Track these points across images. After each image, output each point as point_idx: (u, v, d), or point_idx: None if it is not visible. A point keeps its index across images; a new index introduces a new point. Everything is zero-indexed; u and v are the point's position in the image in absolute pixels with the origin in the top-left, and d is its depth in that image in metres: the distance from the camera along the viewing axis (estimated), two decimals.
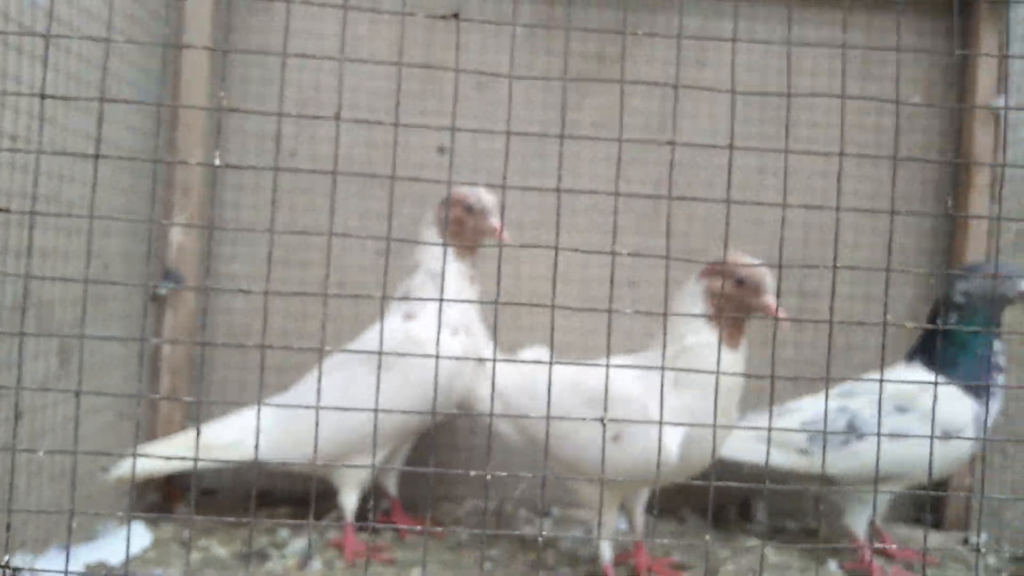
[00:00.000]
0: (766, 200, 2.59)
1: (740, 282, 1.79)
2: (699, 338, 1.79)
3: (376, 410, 1.50)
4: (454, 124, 1.39)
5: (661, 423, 1.51)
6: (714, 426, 1.52)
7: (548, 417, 1.48)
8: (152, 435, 2.37)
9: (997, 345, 2.13)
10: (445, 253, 2.00)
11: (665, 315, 1.64)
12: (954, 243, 2.60)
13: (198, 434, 1.62)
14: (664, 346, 1.73)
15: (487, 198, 2.09)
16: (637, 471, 1.78)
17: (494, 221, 2.08)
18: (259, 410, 1.64)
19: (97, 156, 1.28)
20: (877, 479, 1.67)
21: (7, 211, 1.40)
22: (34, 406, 1.73)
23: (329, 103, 2.53)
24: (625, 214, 2.59)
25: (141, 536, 2.11)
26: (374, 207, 2.56)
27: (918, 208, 2.64)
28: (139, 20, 2.20)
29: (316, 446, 1.64)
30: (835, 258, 1.43)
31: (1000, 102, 2.53)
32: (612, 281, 1.46)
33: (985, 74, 2.54)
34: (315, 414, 2.00)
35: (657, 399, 1.72)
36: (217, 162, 1.40)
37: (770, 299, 1.79)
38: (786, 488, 2.35)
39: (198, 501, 2.39)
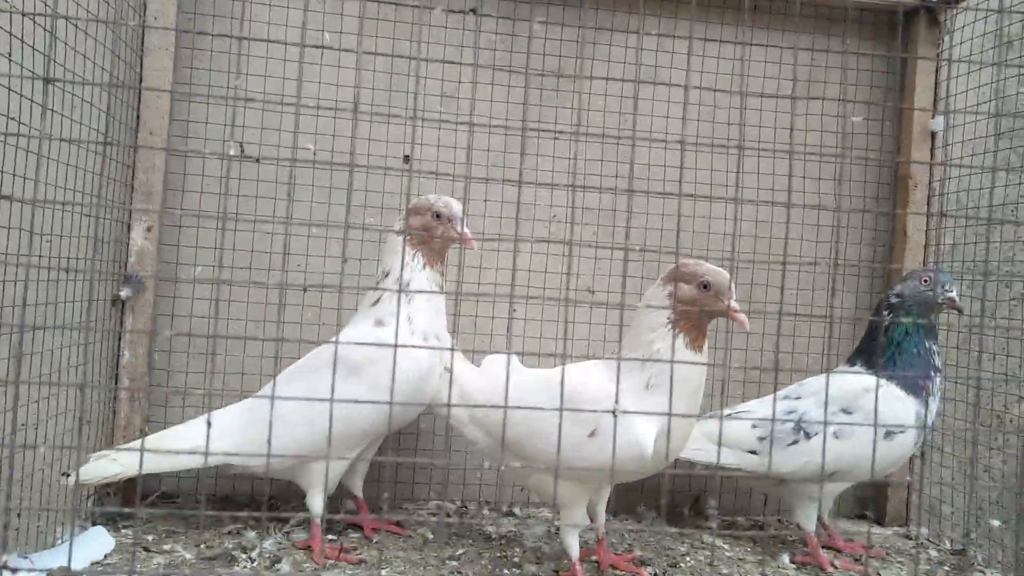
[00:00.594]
0: (718, 210, 2.71)
1: (705, 286, 1.87)
2: (666, 343, 1.86)
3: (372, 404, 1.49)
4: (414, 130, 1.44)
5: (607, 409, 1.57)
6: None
7: (562, 414, 1.52)
8: (111, 440, 2.36)
9: (934, 347, 2.26)
10: (403, 256, 2.09)
11: (623, 309, 1.71)
12: (894, 255, 2.74)
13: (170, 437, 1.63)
14: (630, 349, 1.81)
15: (456, 206, 2.15)
16: (612, 465, 1.84)
17: (462, 228, 2.14)
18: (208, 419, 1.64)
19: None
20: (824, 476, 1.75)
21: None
22: None
23: (291, 108, 2.55)
24: (585, 226, 2.67)
25: (103, 541, 2.10)
26: (337, 214, 2.58)
27: (860, 224, 2.77)
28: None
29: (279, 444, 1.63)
30: (784, 258, 1.52)
31: (936, 123, 2.68)
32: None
33: (922, 97, 2.69)
34: (282, 418, 2.08)
35: (631, 398, 1.83)
36: (232, 151, 1.41)
37: (732, 303, 1.88)
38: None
39: (158, 506, 2.38)
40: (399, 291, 2.09)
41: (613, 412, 1.61)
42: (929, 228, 2.69)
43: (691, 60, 2.70)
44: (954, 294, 2.22)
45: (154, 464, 2.06)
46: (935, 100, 2.70)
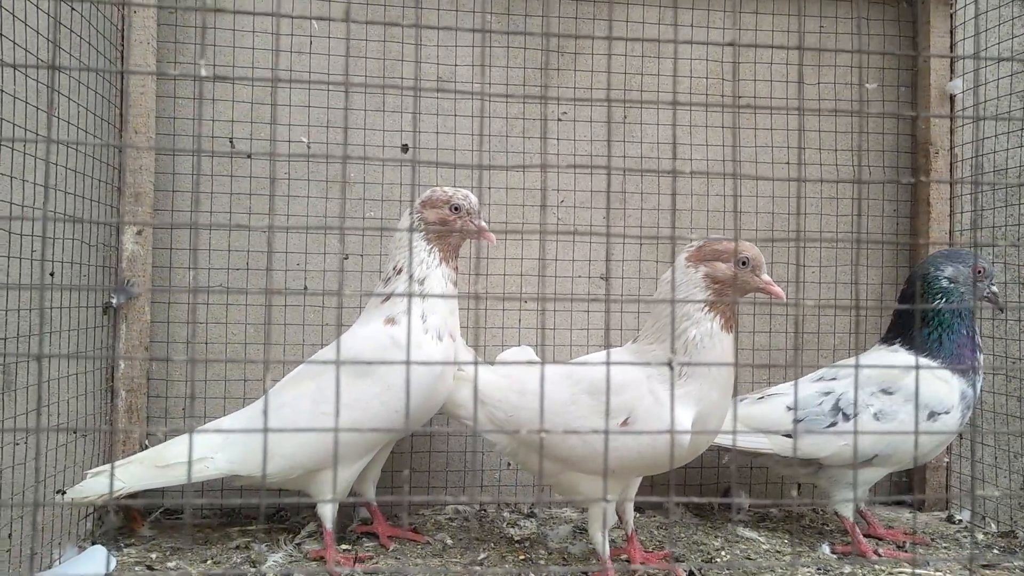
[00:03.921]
0: (736, 191, 2.61)
1: (744, 263, 1.76)
2: (701, 328, 1.75)
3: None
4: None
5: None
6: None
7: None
8: (110, 455, 2.24)
9: (975, 326, 2.16)
10: (407, 252, 1.98)
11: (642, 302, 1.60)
12: (916, 227, 2.63)
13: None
14: (655, 337, 1.71)
15: (474, 198, 2.03)
16: (647, 457, 1.74)
17: (481, 222, 2.02)
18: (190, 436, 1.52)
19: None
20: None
21: None
22: None
23: (283, 100, 2.44)
24: (596, 211, 2.56)
25: (103, 561, 1.98)
26: (335, 209, 2.47)
27: (881, 198, 2.66)
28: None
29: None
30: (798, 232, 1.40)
31: (953, 85, 2.57)
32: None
33: (938, 60, 2.58)
34: (285, 426, 1.96)
35: (663, 387, 1.72)
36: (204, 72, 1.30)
37: (768, 277, 1.78)
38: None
39: (162, 522, 2.26)
40: (409, 295, 1.98)
41: (669, 364, 1.51)
42: (953, 196, 2.57)
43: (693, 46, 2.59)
44: (996, 289, 2.16)
45: (156, 479, 1.95)
46: (951, 62, 2.59)
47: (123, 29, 2.32)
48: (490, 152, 2.53)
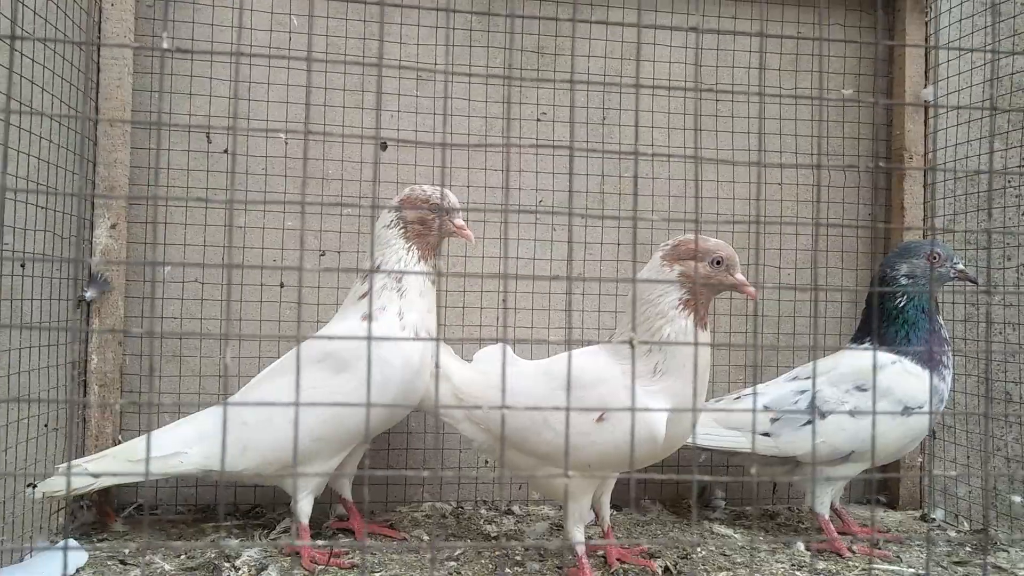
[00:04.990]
0: (705, 192, 2.62)
1: (718, 262, 1.77)
2: (675, 326, 1.76)
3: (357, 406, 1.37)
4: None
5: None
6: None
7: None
8: (82, 449, 2.20)
9: (941, 320, 2.19)
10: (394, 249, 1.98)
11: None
12: (892, 232, 2.66)
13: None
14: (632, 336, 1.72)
15: (452, 197, 2.03)
16: (622, 452, 1.74)
17: (459, 220, 2.02)
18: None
19: None
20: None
21: None
22: None
23: (262, 97, 2.43)
24: (573, 211, 2.56)
25: (74, 555, 1.95)
26: (311, 206, 2.45)
27: (854, 201, 2.69)
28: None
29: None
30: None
31: (927, 92, 2.61)
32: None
33: (913, 66, 2.62)
34: (261, 421, 1.95)
35: (639, 384, 1.72)
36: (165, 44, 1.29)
37: (741, 276, 1.79)
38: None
39: (135, 517, 2.23)
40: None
41: (630, 343, 1.52)
42: (926, 200, 2.61)
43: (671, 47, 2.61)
44: (963, 266, 2.16)
45: (129, 472, 1.92)
46: (926, 69, 2.63)
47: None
48: (468, 150, 2.53)
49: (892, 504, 2.57)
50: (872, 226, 2.70)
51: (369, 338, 1.28)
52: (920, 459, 2.55)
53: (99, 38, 2.29)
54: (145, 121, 2.38)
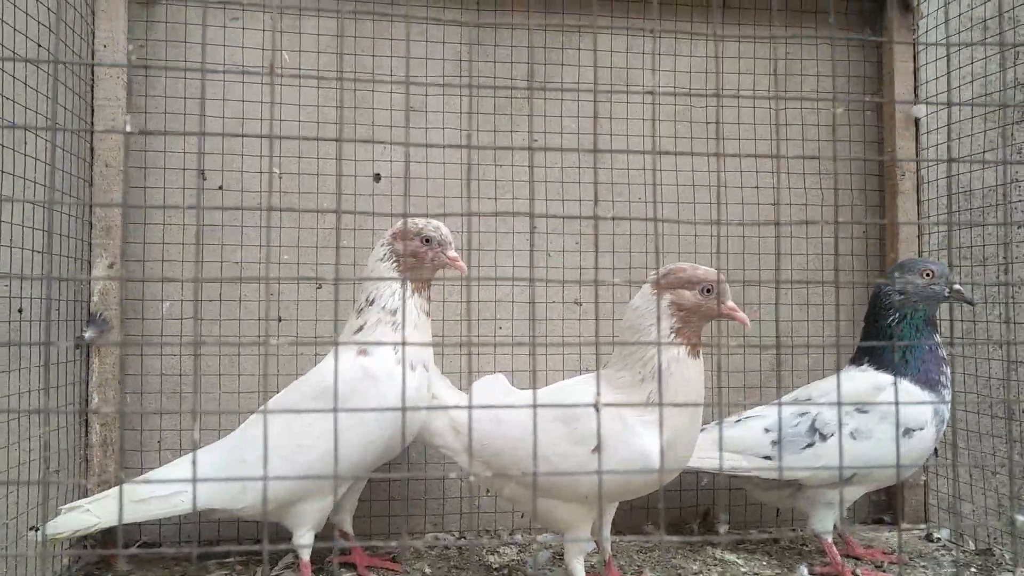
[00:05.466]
0: (701, 215, 2.63)
1: (708, 290, 1.77)
2: (667, 355, 1.76)
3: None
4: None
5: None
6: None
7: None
8: (85, 491, 2.20)
9: (938, 338, 2.18)
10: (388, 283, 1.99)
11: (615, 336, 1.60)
12: (886, 248, 2.66)
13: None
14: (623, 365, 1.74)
15: (445, 229, 2.03)
16: (617, 483, 1.74)
17: (452, 252, 2.03)
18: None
19: None
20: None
21: None
22: None
23: (254, 131, 2.44)
24: (568, 236, 2.57)
25: None
26: (307, 239, 2.46)
27: (850, 217, 2.69)
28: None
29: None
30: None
31: (918, 109, 2.62)
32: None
33: (902, 86, 2.63)
34: (261, 459, 1.94)
35: (633, 414, 1.73)
36: (128, 128, 1.30)
37: (731, 303, 1.80)
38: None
39: (139, 556, 2.22)
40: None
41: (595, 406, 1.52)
42: (920, 216, 2.61)
43: (660, 60, 2.63)
44: (960, 285, 2.15)
45: (131, 513, 1.92)
46: (915, 85, 2.64)
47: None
48: (461, 180, 2.54)
49: (897, 523, 2.55)
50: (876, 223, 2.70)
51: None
52: (924, 478, 2.54)
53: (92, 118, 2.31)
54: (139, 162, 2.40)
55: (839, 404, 2.05)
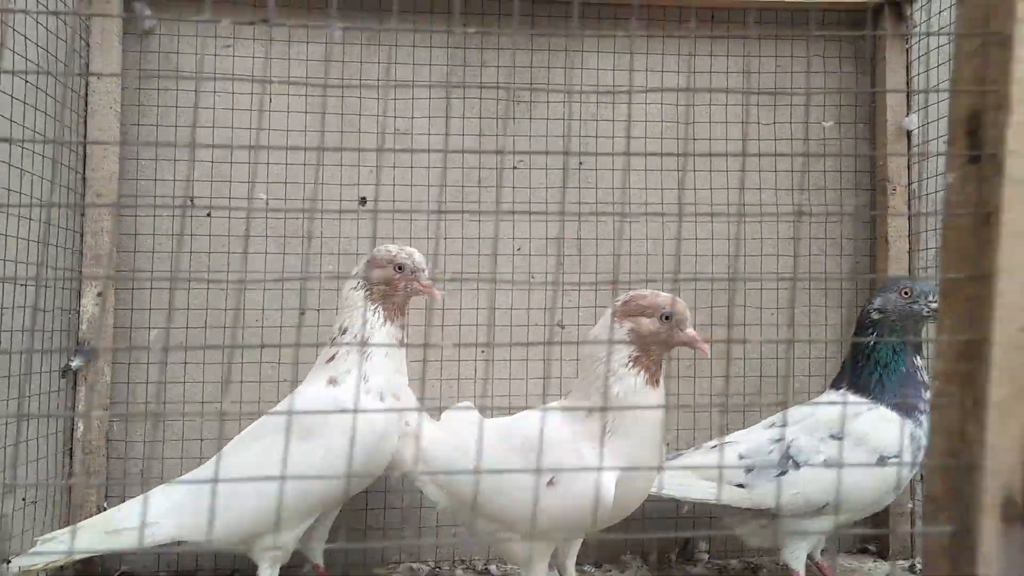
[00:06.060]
0: (688, 235, 2.59)
1: (667, 317, 1.74)
2: (624, 384, 1.74)
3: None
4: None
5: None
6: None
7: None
8: (67, 520, 2.25)
9: (919, 361, 2.12)
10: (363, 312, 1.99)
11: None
12: (876, 265, 2.60)
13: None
14: (584, 395, 1.71)
15: (418, 256, 2.03)
16: (573, 516, 1.72)
17: (426, 280, 2.02)
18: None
19: None
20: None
21: None
22: None
23: (242, 157, 2.46)
24: (549, 257, 2.55)
25: None
26: (293, 263, 2.48)
27: (839, 234, 2.63)
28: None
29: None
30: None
31: (909, 121, 2.55)
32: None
33: (894, 96, 2.57)
34: (233, 489, 1.96)
35: (589, 444, 1.70)
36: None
37: (692, 331, 1.76)
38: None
39: None
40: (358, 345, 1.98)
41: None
42: (911, 232, 2.54)
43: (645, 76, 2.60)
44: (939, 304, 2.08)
45: (104, 543, 1.95)
46: (908, 98, 2.57)
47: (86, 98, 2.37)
48: (444, 202, 2.54)
49: (882, 554, 2.48)
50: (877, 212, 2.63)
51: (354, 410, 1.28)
52: (910, 506, 2.47)
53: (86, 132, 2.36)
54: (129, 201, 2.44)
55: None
